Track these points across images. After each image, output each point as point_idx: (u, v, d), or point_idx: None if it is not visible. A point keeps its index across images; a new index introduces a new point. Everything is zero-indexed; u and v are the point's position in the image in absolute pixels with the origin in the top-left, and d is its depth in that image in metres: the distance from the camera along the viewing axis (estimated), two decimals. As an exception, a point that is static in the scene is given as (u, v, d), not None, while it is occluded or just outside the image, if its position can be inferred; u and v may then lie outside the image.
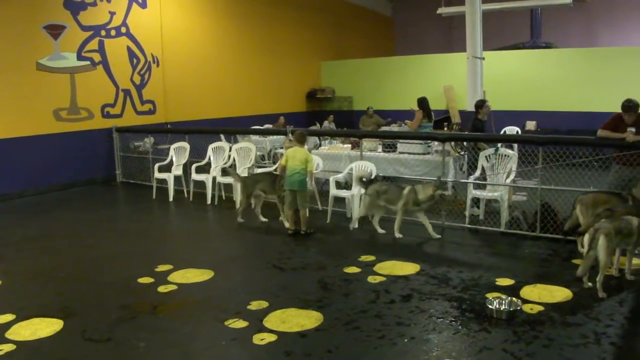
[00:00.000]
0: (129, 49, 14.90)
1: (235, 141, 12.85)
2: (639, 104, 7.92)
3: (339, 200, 10.14)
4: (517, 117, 16.91)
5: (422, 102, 12.69)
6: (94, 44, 13.99)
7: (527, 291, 6.47)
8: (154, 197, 12.38)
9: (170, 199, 12.07)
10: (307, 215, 9.19)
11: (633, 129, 7.81)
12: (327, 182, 10.62)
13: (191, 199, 12.09)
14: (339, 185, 10.39)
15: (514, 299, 6.03)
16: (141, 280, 7.09)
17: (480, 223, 9.35)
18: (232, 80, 18.25)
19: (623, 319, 5.67)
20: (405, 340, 5.39)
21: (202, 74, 17.24)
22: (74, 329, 5.73)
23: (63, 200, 12.59)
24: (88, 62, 13.86)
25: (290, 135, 10.78)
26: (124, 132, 14.53)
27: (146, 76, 15.39)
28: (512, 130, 15.62)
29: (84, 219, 10.80)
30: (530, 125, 17.34)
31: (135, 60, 15.06)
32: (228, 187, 11.81)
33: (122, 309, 6.19)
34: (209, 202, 11.67)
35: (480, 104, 10.94)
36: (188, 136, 13.10)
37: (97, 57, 14.09)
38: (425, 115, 12.53)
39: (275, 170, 9.10)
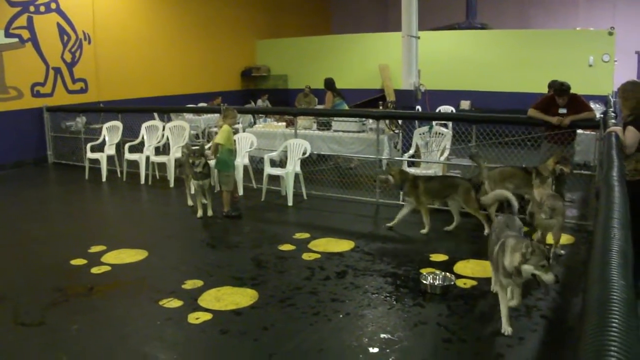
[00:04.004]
0: (59, 25, 14.38)
1: (169, 120, 12.64)
2: (570, 87, 8.11)
3: (274, 179, 10.08)
4: (452, 96, 17.09)
5: (329, 84, 12.81)
6: (22, 21, 13.46)
7: (461, 266, 6.58)
8: (86, 177, 12.10)
9: (104, 179, 11.81)
10: (232, 195, 9.12)
11: (564, 110, 8.00)
12: (261, 160, 10.54)
13: (124, 178, 11.88)
14: (273, 164, 10.34)
15: (447, 274, 6.13)
16: (74, 262, 6.92)
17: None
18: (166, 58, 17.90)
19: (555, 293, 5.81)
20: (340, 316, 5.42)
21: (136, 51, 16.84)
22: (4, 313, 5.56)
23: (-9, 182, 12.20)
24: (16, 40, 13.35)
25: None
26: (55, 112, 14.08)
27: (77, 54, 14.93)
28: (446, 109, 15.79)
29: (14, 201, 10.50)
30: (465, 104, 17.58)
31: (65, 38, 14.58)
32: (162, 167, 11.63)
33: (55, 292, 6.03)
34: (142, 181, 11.47)
35: None
36: (121, 115, 12.83)
37: (25, 34, 13.57)
38: (337, 95, 12.64)
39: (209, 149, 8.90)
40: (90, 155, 12.05)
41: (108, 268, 6.73)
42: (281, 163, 10.56)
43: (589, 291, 2.45)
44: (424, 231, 7.89)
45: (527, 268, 4.45)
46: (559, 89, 8.06)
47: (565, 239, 7.32)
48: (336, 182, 10.07)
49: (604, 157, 5.40)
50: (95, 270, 6.67)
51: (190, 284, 6.14)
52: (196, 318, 5.37)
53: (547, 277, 4.39)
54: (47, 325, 5.31)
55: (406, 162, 9.65)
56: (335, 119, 11.49)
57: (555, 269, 5.05)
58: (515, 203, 5.57)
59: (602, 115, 8.46)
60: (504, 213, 5.86)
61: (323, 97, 16.41)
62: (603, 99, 13.48)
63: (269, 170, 9.90)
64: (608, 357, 1.72)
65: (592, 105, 9.56)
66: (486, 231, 7.53)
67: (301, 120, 11.36)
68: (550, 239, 6.67)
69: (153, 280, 6.41)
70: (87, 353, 4.82)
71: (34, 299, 5.89)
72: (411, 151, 9.78)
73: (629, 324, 2.00)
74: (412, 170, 9.30)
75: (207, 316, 5.41)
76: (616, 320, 2.00)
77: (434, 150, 9.74)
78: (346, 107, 12.91)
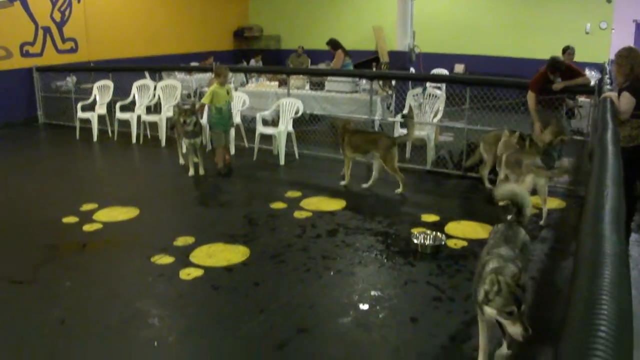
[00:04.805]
0: (48, -17, 14.17)
1: (160, 79, 12.53)
2: (564, 63, 8.11)
3: (266, 138, 10.04)
4: (446, 59, 16.96)
5: (336, 43, 12.67)
6: (9, -21, 13.24)
7: (452, 227, 6.60)
8: (77, 137, 11.99)
9: (95, 139, 11.72)
10: (224, 155, 9.07)
11: (559, 79, 7.99)
12: (253, 120, 10.48)
13: (116, 138, 11.80)
14: (265, 123, 10.28)
15: (438, 234, 6.14)
16: (66, 220, 6.90)
17: (406, 161, 9.41)
18: (157, 17, 17.64)
19: (543, 255, 5.86)
20: (331, 273, 5.44)
21: (126, 10, 16.59)
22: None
23: (-19, 142, 12.10)
24: (4, -2, 13.15)
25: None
26: (45, 72, 13.87)
27: (67, 13, 14.67)
28: (441, 72, 15.71)
29: (4, 160, 10.44)
30: (459, 68, 17.48)
31: (55, -4, 14.36)
32: (153, 126, 11.56)
33: (47, 250, 6.03)
34: (134, 141, 11.40)
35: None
36: (112, 74, 12.68)
37: (13, -8, 13.36)
38: (346, 54, 12.54)
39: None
40: (81, 115, 11.92)
41: (100, 225, 6.72)
42: (273, 122, 10.50)
43: (580, 246, 2.45)
44: (364, 185, 8.14)
45: (489, 311, 3.35)
46: (552, 65, 8.02)
47: (556, 203, 7.37)
48: (328, 142, 10.03)
49: (599, 121, 5.39)
50: (87, 227, 6.66)
51: (181, 241, 6.14)
52: (188, 274, 5.38)
53: (513, 330, 3.25)
54: (39, 282, 5.31)
55: (398, 123, 9.61)
56: (328, 79, 11.40)
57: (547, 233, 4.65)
58: (528, 210, 4.29)
59: (597, 82, 8.43)
60: (506, 217, 4.54)
61: (318, 58, 16.34)
62: (599, 67, 13.41)
63: (261, 129, 9.85)
64: (600, 309, 1.72)
65: (587, 72, 9.54)
66: (399, 190, 7.84)
67: (294, 80, 11.28)
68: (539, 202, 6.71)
69: (144, 237, 6.41)
70: (80, 309, 4.83)
71: (26, 256, 5.89)
72: (404, 112, 9.73)
73: (620, 277, 2.00)
74: (401, 132, 9.31)
75: (199, 272, 5.42)
76: (608, 273, 2.00)
77: (427, 112, 9.70)
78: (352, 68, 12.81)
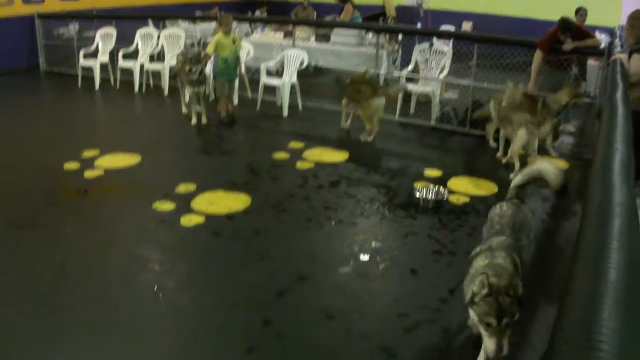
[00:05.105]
0: None
1: (164, 28, 12.36)
2: (575, 24, 8.06)
3: (269, 90, 9.95)
4: (454, 17, 16.71)
5: None
6: None
7: (454, 183, 6.56)
8: (79, 85, 11.85)
9: (97, 87, 11.58)
10: (227, 105, 8.98)
11: (569, 40, 7.89)
12: (257, 71, 10.37)
13: (118, 87, 11.66)
14: (269, 74, 10.17)
15: (441, 188, 6.09)
16: (67, 166, 6.86)
17: (410, 117, 9.34)
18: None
19: (545, 214, 5.83)
20: (333, 223, 5.43)
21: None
22: None
23: (-17, 89, 11.99)
24: (5, -58, 12.87)
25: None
26: (47, 19, 13.61)
27: (69, -42, 14.45)
28: (448, 29, 15.51)
29: (6, 107, 10.33)
30: (467, 26, 17.24)
31: (56, -61, 14.08)
32: (156, 75, 11.44)
33: (48, 195, 6.02)
34: (136, 90, 11.29)
35: None
36: (115, 22, 12.48)
37: (14, -64, 13.07)
38: (355, 7, 12.37)
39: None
40: (83, 62, 11.77)
41: (101, 172, 6.69)
42: (278, 73, 10.39)
43: (589, 197, 2.41)
44: (366, 138, 8.14)
45: (472, 314, 3.10)
46: (562, 25, 7.91)
47: (560, 164, 7.30)
48: (332, 95, 9.94)
49: (608, 82, 5.33)
50: (88, 174, 6.63)
51: (183, 188, 6.12)
52: (189, 221, 5.37)
53: (488, 343, 2.92)
54: (40, 227, 5.30)
55: (404, 78, 9.51)
56: (334, 31, 11.26)
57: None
58: (555, 180, 3.78)
59: (607, 45, 8.33)
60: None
61: (324, 11, 16.14)
62: (609, 31, 13.22)
63: (265, 80, 9.74)
64: (609, 256, 1.69)
65: (597, 35, 9.39)
66: (367, 137, 8.04)
67: (299, 32, 11.14)
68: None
69: (146, 184, 6.38)
70: (81, 253, 4.83)
71: (28, 202, 5.87)
72: (410, 67, 9.62)
73: (630, 225, 1.98)
74: (409, 86, 9.22)
75: (200, 219, 5.41)
76: (617, 222, 1.98)
77: (433, 68, 9.59)
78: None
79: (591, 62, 9.45)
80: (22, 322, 3.89)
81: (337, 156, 7.38)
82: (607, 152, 2.84)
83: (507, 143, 7.22)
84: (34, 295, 4.19)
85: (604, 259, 1.66)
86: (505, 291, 2.86)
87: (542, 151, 7.25)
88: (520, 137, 6.62)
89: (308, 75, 10.75)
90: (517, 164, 6.66)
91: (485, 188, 6.39)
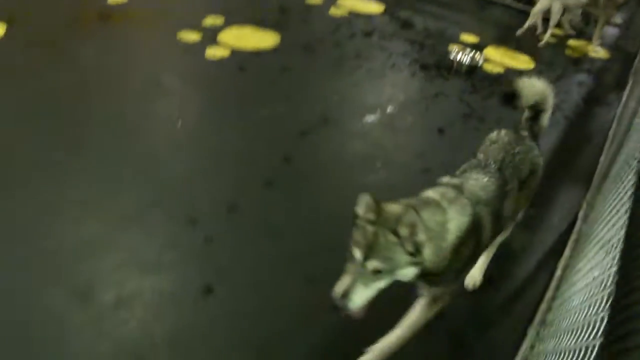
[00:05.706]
0: None
1: None
2: None
3: None
4: None
5: None
6: None
7: (491, 51, 6.30)
8: None
9: None
10: None
11: None
12: None
13: None
14: None
15: (477, 53, 5.83)
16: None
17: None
18: None
19: (580, 98, 5.60)
20: (363, 71, 5.24)
21: None
22: (17, 35, 5.25)
23: None
24: None
25: None
26: None
27: None
28: None
29: None
30: None
31: None
32: None
33: (69, 19, 5.73)
34: None
35: None
36: None
37: None
38: None
39: None
40: None
41: (126, -1, 6.38)
42: None
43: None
44: None
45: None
46: None
47: (601, 54, 6.98)
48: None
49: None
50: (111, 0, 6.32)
51: (210, 21, 5.87)
52: (214, 53, 5.18)
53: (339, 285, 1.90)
54: (57, 47, 5.08)
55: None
56: None
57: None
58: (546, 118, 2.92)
59: None
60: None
61: None
62: None
63: None
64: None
65: None
66: None
67: None
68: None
69: (171, 13, 6.12)
70: (100, 75, 4.69)
71: (48, 23, 5.60)
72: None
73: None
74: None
75: (226, 52, 5.22)
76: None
77: None
78: None
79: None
80: (38, 133, 3.80)
81: (372, 7, 7.06)
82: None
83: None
84: (50, 111, 4.08)
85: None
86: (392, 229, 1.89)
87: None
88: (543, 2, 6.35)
89: None
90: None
91: (521, 61, 6.15)
